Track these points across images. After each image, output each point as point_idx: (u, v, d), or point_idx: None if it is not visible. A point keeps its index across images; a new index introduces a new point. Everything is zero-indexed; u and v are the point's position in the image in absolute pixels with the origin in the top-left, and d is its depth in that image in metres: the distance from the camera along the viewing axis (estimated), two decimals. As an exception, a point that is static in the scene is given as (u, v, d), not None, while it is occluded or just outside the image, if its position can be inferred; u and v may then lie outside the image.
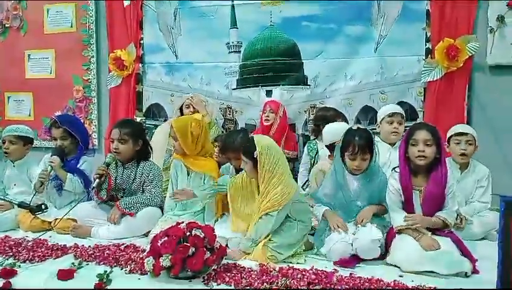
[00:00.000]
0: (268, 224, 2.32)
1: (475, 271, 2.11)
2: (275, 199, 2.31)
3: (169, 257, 1.95)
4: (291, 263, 2.25)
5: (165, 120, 4.20)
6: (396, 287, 1.94)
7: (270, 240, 2.31)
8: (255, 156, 2.35)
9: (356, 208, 2.43)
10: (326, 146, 2.81)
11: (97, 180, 2.73)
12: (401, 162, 2.37)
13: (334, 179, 2.47)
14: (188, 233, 2.04)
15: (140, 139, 2.86)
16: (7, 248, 2.43)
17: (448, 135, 2.85)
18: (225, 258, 2.21)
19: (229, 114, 4.08)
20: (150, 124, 4.28)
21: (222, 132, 3.94)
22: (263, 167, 2.35)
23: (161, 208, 2.87)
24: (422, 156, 2.27)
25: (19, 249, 2.41)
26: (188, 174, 2.79)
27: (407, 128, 3.04)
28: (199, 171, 2.75)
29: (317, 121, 3.31)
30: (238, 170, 2.75)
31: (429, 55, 3.46)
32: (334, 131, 2.74)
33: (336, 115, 3.29)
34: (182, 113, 3.71)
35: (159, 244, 2.01)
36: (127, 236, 2.67)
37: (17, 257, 2.30)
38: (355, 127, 2.48)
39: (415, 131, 2.33)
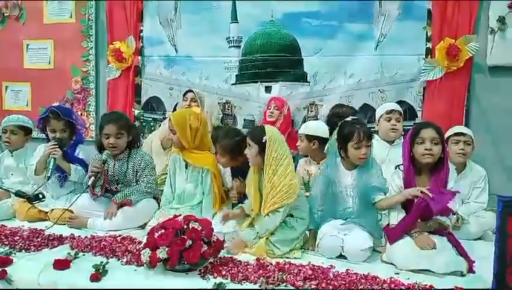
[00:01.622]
0: (276, 220, 2.32)
1: (471, 271, 2.12)
2: (283, 192, 2.30)
3: (166, 249, 1.95)
4: (288, 257, 2.25)
5: (163, 113, 4.20)
6: (392, 285, 1.94)
7: (271, 234, 2.31)
8: (263, 141, 2.34)
9: (346, 209, 2.42)
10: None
11: (92, 178, 2.71)
12: (405, 160, 2.35)
13: (325, 175, 2.48)
14: (186, 226, 2.03)
15: (132, 130, 2.88)
16: (3, 237, 2.42)
17: (446, 135, 2.85)
18: (226, 251, 2.22)
19: (228, 109, 4.07)
20: (148, 118, 4.28)
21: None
22: (271, 154, 2.33)
23: (155, 198, 2.87)
24: (429, 154, 2.26)
25: (15, 238, 2.41)
26: (186, 168, 2.78)
27: (406, 127, 3.09)
28: (197, 165, 2.74)
29: (332, 118, 3.29)
30: (234, 171, 2.76)
31: (429, 55, 3.46)
32: (315, 127, 2.86)
33: (349, 112, 3.27)
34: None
35: (156, 236, 2.01)
36: (124, 227, 2.66)
37: (13, 246, 2.30)
38: (349, 119, 2.47)
39: (422, 129, 2.31)
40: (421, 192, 2.14)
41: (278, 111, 3.53)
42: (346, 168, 2.46)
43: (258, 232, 2.33)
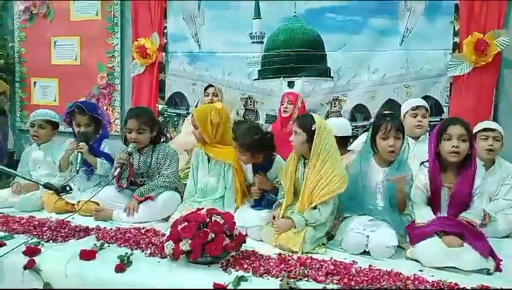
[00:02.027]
0: (326, 211, 2.32)
1: (498, 269, 2.07)
2: (334, 182, 2.29)
3: (189, 241, 1.97)
4: (311, 253, 2.24)
5: (187, 108, 4.24)
6: (416, 282, 1.91)
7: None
8: (313, 129, 2.34)
9: (375, 205, 2.38)
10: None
11: (118, 169, 2.75)
12: (431, 157, 2.30)
13: (357, 166, 2.44)
14: (208, 219, 2.05)
15: (156, 126, 2.90)
16: (31, 228, 2.49)
17: (474, 131, 2.78)
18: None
19: (250, 104, 4.08)
20: (171, 113, 4.33)
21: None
22: (319, 143, 2.32)
23: (177, 190, 2.90)
24: (456, 152, 2.21)
25: (43, 229, 2.47)
26: (209, 162, 2.80)
27: (432, 123, 3.03)
28: (219, 160, 2.76)
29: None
30: (255, 167, 2.74)
31: (457, 50, 3.39)
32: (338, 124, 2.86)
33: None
34: None
35: (179, 229, 2.03)
36: (147, 220, 2.70)
37: (41, 237, 2.36)
38: (383, 112, 2.47)
39: (449, 126, 2.25)
40: None
41: (292, 105, 3.50)
42: (378, 164, 2.41)
43: (307, 220, 2.31)
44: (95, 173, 3.02)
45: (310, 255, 2.19)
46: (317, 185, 2.32)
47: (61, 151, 3.09)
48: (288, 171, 2.49)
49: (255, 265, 2.02)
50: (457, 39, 3.40)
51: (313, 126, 2.35)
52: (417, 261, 2.16)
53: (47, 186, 2.51)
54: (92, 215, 2.75)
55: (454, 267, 2.04)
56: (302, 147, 2.41)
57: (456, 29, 3.41)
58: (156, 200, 2.75)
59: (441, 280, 1.92)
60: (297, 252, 2.21)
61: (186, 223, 2.05)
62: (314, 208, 2.33)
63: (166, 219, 2.71)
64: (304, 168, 2.46)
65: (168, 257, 2.04)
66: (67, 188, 2.53)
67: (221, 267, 2.01)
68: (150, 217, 2.72)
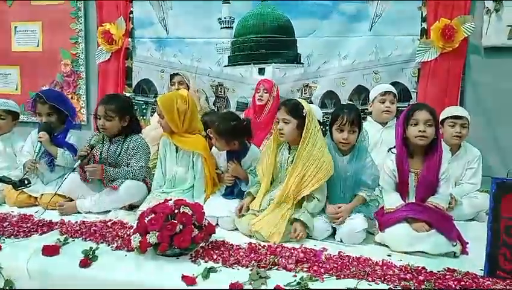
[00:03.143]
0: (324, 194, 2.35)
1: (464, 252, 2.12)
2: (325, 168, 2.30)
3: (156, 234, 1.92)
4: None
5: (155, 96, 4.13)
6: (384, 267, 1.93)
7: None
8: (304, 115, 2.33)
9: (339, 191, 2.40)
10: None
11: (78, 161, 2.65)
12: (398, 142, 2.33)
13: None
14: (176, 210, 2.01)
15: (128, 115, 2.80)
16: (-9, 223, 2.39)
17: (442, 117, 2.83)
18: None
19: (221, 92, 4.02)
20: (139, 100, 4.21)
21: (212, 110, 3.90)
22: (309, 129, 2.34)
23: (145, 181, 2.82)
24: (423, 136, 2.23)
25: (4, 224, 2.37)
26: (177, 152, 2.74)
27: (400, 108, 3.05)
28: (188, 149, 2.70)
29: None
30: (229, 154, 2.71)
31: (424, 35, 3.41)
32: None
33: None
34: None
35: (146, 221, 1.98)
36: (110, 208, 2.64)
37: (1, 232, 2.26)
38: (344, 104, 2.44)
39: (415, 111, 2.28)
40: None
41: (267, 94, 3.45)
42: (338, 153, 2.42)
43: (312, 213, 2.32)
44: (56, 163, 2.91)
45: (281, 243, 2.18)
46: (308, 171, 2.31)
47: (26, 144, 2.96)
48: (267, 158, 2.47)
49: (224, 255, 2.00)
50: (425, 25, 3.42)
51: (304, 112, 2.35)
52: (386, 246, 2.19)
53: (3, 180, 2.40)
54: (56, 209, 2.66)
55: (422, 252, 2.08)
56: (293, 134, 2.40)
57: (423, 14, 3.42)
58: (119, 189, 2.67)
59: (408, 265, 1.95)
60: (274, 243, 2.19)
61: (153, 215, 2.00)
62: (308, 197, 2.33)
63: (131, 208, 2.64)
64: (289, 153, 2.45)
65: (135, 250, 1.99)
66: (26, 182, 2.42)
67: (190, 258, 1.98)
68: (112, 204, 2.66)
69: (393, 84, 3.38)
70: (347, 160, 2.39)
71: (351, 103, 2.51)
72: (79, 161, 2.65)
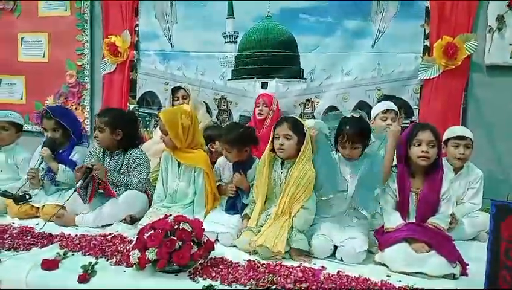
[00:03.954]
0: (313, 205, 2.36)
1: (464, 273, 2.10)
2: (312, 181, 2.34)
3: (155, 250, 1.93)
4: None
5: (159, 108, 4.15)
6: (383, 288, 1.92)
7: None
8: (305, 131, 2.36)
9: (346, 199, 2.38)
10: None
11: (80, 181, 2.62)
12: (400, 162, 2.33)
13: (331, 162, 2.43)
14: (176, 226, 2.01)
15: (119, 129, 2.77)
16: (-8, 235, 2.40)
17: (446, 137, 2.82)
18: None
19: (224, 105, 4.04)
20: (143, 112, 4.25)
21: (215, 123, 3.91)
22: (307, 144, 2.36)
23: (146, 193, 2.82)
24: (426, 157, 2.23)
25: (4, 236, 2.38)
26: (179, 167, 2.74)
27: (403, 125, 3.05)
28: (190, 165, 2.70)
29: None
30: (235, 165, 2.73)
31: (427, 53, 3.43)
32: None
33: (403, 104, 3.31)
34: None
35: (145, 237, 1.98)
36: (111, 221, 2.64)
37: (1, 245, 2.27)
38: (349, 116, 2.44)
39: (419, 131, 2.28)
40: None
41: (267, 108, 3.49)
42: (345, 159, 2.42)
43: (302, 231, 2.31)
44: (56, 179, 2.91)
45: (278, 261, 2.17)
46: (299, 186, 2.33)
47: (23, 154, 2.98)
48: (262, 174, 2.47)
49: (223, 273, 1.99)
50: (427, 42, 3.43)
51: (305, 128, 2.38)
52: (385, 265, 2.17)
53: (4, 194, 2.41)
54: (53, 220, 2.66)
55: (422, 273, 2.07)
56: (293, 150, 2.40)
57: (426, 32, 3.44)
58: (119, 199, 2.67)
59: (408, 286, 1.94)
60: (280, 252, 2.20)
61: (152, 231, 2.00)
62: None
63: (133, 222, 2.64)
64: (282, 169, 2.45)
65: (134, 265, 1.99)
66: (27, 197, 2.43)
67: (188, 275, 1.98)
68: (114, 216, 2.66)
69: (392, 98, 3.40)
70: (353, 166, 2.38)
71: (355, 115, 2.46)
72: (80, 181, 2.62)
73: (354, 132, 2.32)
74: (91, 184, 2.67)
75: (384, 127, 2.96)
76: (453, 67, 3.34)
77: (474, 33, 3.31)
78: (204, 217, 2.60)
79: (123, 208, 2.67)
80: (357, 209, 2.38)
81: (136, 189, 2.74)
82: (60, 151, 2.99)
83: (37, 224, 2.62)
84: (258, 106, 3.52)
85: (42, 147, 2.89)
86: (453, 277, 2.07)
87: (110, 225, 2.65)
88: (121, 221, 2.67)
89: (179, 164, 2.74)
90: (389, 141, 2.34)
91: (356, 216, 2.41)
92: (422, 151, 2.23)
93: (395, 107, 3.06)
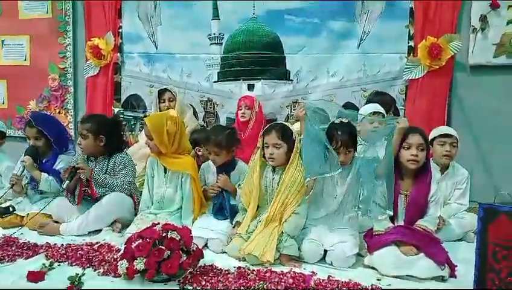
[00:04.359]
0: (304, 210, 2.36)
1: (453, 275, 2.12)
2: (302, 187, 2.33)
3: (144, 260, 1.90)
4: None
5: (144, 111, 4.11)
6: (373, 292, 1.93)
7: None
8: (294, 138, 2.36)
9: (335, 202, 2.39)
10: None
11: (67, 181, 2.60)
12: None
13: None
14: (164, 235, 1.98)
15: (102, 135, 2.74)
16: (-25, 246, 2.34)
17: (432, 136, 2.83)
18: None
19: (210, 107, 4.01)
20: (128, 116, 4.19)
21: (202, 125, 3.88)
22: (296, 151, 2.37)
23: (132, 197, 2.79)
24: (415, 160, 2.25)
25: (-13, 247, 2.33)
26: (165, 173, 2.71)
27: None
28: (177, 170, 2.67)
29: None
30: (219, 168, 2.71)
31: (411, 53, 3.45)
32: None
33: (392, 100, 3.27)
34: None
35: (133, 246, 1.95)
36: (97, 227, 2.62)
37: (-15, 257, 2.22)
38: (337, 121, 2.43)
39: (409, 135, 2.29)
40: None
41: (250, 110, 3.46)
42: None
43: (293, 237, 2.31)
44: (39, 188, 2.87)
45: (268, 267, 2.16)
46: (291, 191, 2.33)
47: (6, 162, 2.92)
48: (251, 182, 2.45)
49: (213, 281, 1.98)
50: (412, 43, 3.45)
51: (294, 135, 2.38)
52: (375, 269, 2.18)
53: (-12, 207, 2.35)
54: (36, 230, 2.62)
55: (411, 276, 2.08)
56: (282, 158, 2.40)
57: (411, 33, 3.46)
58: (101, 203, 2.64)
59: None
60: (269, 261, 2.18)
61: (140, 241, 1.97)
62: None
63: (118, 231, 2.61)
64: (274, 175, 2.44)
65: (122, 276, 1.96)
66: (10, 209, 2.38)
67: (178, 284, 1.96)
68: (100, 221, 2.63)
69: (380, 94, 3.39)
70: (345, 173, 2.37)
71: (344, 120, 2.43)
72: (67, 182, 2.59)
73: (347, 137, 2.32)
74: (78, 186, 2.64)
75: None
76: (437, 67, 3.37)
77: (458, 33, 3.34)
78: (192, 223, 2.58)
79: (108, 210, 2.65)
80: (347, 208, 2.40)
81: (121, 191, 2.71)
82: (44, 161, 2.94)
83: (21, 233, 2.57)
84: (241, 109, 3.50)
85: (24, 156, 2.83)
86: (441, 279, 2.09)
87: (98, 231, 2.62)
88: (109, 228, 2.63)
89: (165, 169, 2.70)
90: (395, 136, 2.32)
91: (346, 215, 2.41)
92: (412, 155, 2.25)
93: (382, 110, 3.05)
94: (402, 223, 2.29)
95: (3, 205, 2.57)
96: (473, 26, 3.32)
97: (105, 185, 2.68)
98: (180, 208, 2.67)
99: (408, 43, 3.47)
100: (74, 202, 2.66)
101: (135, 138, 4.06)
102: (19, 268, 2.10)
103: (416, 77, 3.42)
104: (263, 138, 2.45)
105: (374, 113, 2.99)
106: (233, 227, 2.52)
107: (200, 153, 2.98)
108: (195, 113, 3.95)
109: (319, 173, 2.33)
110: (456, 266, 2.15)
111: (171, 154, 2.67)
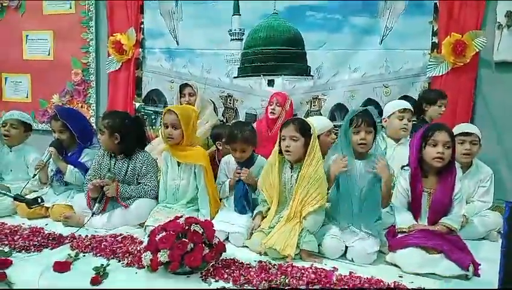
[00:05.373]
0: (323, 213, 2.35)
1: (476, 274, 2.09)
2: (324, 185, 2.32)
3: (167, 252, 1.92)
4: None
5: (165, 106, 4.13)
6: (397, 289, 1.92)
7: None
8: (311, 133, 2.35)
9: (358, 198, 2.33)
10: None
11: (96, 205, 2.64)
12: (413, 161, 2.29)
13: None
14: (187, 228, 2.01)
15: (117, 133, 2.73)
16: (3, 236, 2.40)
17: (452, 134, 2.80)
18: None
19: (230, 103, 4.02)
20: (149, 110, 4.24)
21: (222, 121, 3.90)
22: (315, 147, 2.34)
23: (156, 199, 2.80)
24: (441, 158, 2.21)
25: (15, 237, 2.38)
26: (179, 165, 2.72)
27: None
28: (190, 162, 2.69)
29: (420, 101, 3.22)
30: (239, 163, 2.72)
31: (435, 50, 3.40)
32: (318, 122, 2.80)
33: (436, 96, 3.15)
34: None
35: (157, 239, 1.98)
36: (121, 225, 2.64)
37: (12, 246, 2.27)
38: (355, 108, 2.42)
39: (435, 132, 2.24)
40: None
41: (280, 107, 3.39)
42: (357, 158, 2.37)
43: (312, 232, 2.30)
44: (64, 179, 2.91)
45: (289, 262, 2.17)
46: (310, 189, 2.30)
47: (34, 154, 2.98)
48: (271, 178, 2.45)
49: (235, 275, 1.99)
50: (436, 39, 3.41)
51: (311, 130, 2.36)
52: (397, 266, 2.17)
53: (17, 198, 2.40)
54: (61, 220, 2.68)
55: (434, 274, 2.06)
56: (299, 151, 2.38)
57: (435, 29, 3.41)
58: (130, 208, 2.68)
59: (420, 287, 1.93)
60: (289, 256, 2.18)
61: (164, 233, 2.00)
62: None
63: (141, 225, 2.63)
64: (292, 172, 2.43)
65: (146, 267, 1.99)
66: (39, 200, 2.42)
67: (200, 277, 1.98)
68: (123, 223, 2.65)
69: (403, 98, 3.36)
70: (364, 164, 2.34)
71: (365, 107, 2.42)
72: (97, 205, 2.64)
73: (366, 114, 2.30)
74: (104, 199, 2.67)
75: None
76: (462, 64, 3.32)
77: (482, 30, 3.28)
78: (212, 215, 2.61)
79: (134, 216, 2.68)
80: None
81: (148, 197, 2.74)
82: (69, 154, 2.98)
83: (46, 224, 2.63)
84: (271, 105, 3.42)
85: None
86: (465, 277, 2.06)
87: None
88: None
89: (178, 162, 2.72)
90: (383, 176, 2.29)
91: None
92: (438, 153, 2.21)
93: (411, 107, 3.00)
94: (426, 222, 2.26)
95: (32, 196, 2.60)
96: (498, 22, 3.25)
97: (132, 197, 2.71)
98: (192, 199, 2.70)
99: (432, 39, 3.42)
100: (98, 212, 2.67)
101: (156, 132, 4.10)
102: (45, 258, 2.14)
103: (440, 74, 3.37)
104: (280, 131, 2.43)
105: (405, 110, 2.94)
106: (254, 218, 2.53)
107: (220, 147, 3.00)
108: (215, 109, 3.97)
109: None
110: (480, 264, 2.12)
111: (184, 147, 2.68)
